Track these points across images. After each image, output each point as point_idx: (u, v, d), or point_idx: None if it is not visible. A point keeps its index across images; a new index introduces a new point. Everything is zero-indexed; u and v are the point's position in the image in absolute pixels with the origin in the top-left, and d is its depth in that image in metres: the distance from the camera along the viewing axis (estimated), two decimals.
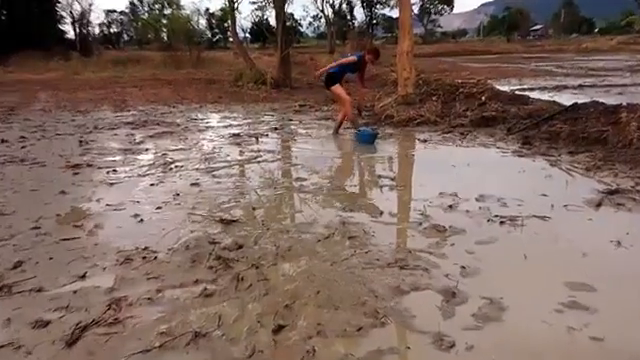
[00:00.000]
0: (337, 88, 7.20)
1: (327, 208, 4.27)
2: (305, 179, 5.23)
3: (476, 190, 4.61)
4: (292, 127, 8.73)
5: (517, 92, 10.48)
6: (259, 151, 6.68)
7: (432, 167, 5.75)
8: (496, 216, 3.98)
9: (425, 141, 7.16)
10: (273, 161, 6.15)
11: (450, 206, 4.23)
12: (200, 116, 10.32)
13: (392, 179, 5.19)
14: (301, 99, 12.83)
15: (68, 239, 3.68)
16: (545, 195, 4.50)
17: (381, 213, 4.09)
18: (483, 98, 9.10)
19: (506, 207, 4.20)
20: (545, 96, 11.02)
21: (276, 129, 8.50)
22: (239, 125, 9.06)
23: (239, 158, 6.31)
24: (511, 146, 6.65)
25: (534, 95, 10.65)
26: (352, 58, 7.10)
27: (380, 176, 5.33)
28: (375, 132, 7.20)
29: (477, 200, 4.39)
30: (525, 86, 14.17)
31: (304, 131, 8.31)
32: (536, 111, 8.27)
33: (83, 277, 3.11)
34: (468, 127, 7.98)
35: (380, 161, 6.12)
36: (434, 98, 9.40)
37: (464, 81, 10.19)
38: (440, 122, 8.47)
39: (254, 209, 4.28)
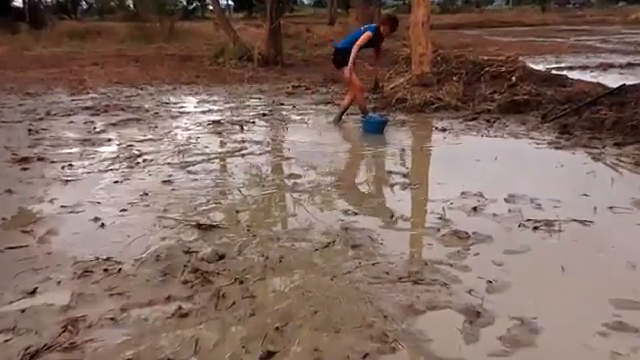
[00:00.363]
0: (350, 71, 7.27)
1: (326, 211, 4.32)
2: (300, 176, 5.29)
3: (505, 189, 4.66)
4: (284, 113, 8.81)
5: (554, 71, 10.64)
6: (244, 142, 6.77)
7: (452, 162, 5.81)
8: (528, 220, 4.04)
9: (444, 130, 7.27)
10: (261, 154, 6.21)
11: (474, 208, 4.28)
12: (173, 100, 10.40)
13: (404, 176, 5.26)
14: (295, 79, 12.89)
15: (15, 247, 3.71)
16: (587, 195, 4.56)
17: (391, 217, 4.14)
18: (513, 79, 9.20)
19: (540, 209, 4.26)
20: (587, 76, 11.16)
21: (264, 115, 8.60)
22: (220, 110, 9.15)
23: (220, 150, 6.38)
24: (546, 136, 6.75)
25: (574, 75, 10.78)
26: (368, 34, 7.18)
27: (390, 172, 5.39)
28: (385, 119, 7.30)
29: (506, 201, 4.44)
30: (563, 64, 14.32)
31: (298, 118, 8.41)
32: (576, 94, 8.34)
33: (33, 293, 3.12)
34: (495, 113, 8.08)
35: (390, 154, 6.19)
36: (455, 78, 9.49)
37: (491, 58, 10.25)
38: (462, 107, 8.58)
39: (238, 212, 4.31)
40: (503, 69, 9.57)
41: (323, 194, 4.76)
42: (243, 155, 6.15)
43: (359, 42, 7.07)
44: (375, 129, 7.10)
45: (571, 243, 3.67)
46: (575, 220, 4.01)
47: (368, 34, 7.14)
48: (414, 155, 6.37)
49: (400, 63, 11.31)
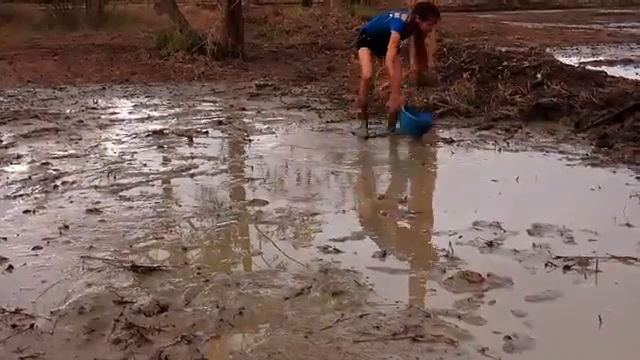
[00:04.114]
0: (363, 53, 7.77)
1: (300, 247, 4.34)
2: (266, 202, 5.32)
3: (528, 218, 4.70)
4: (246, 121, 8.86)
5: (589, 67, 10.75)
6: (194, 158, 6.80)
7: (462, 183, 5.89)
8: (558, 258, 4.07)
9: (452, 142, 7.34)
10: (216, 174, 6.23)
11: (489, 243, 4.31)
12: (102, 103, 10.40)
13: (401, 201, 5.33)
14: (260, 76, 12.99)
15: None
16: (630, 225, 4.61)
17: (383, 255, 4.17)
18: (539, 76, 9.31)
19: (573, 244, 4.31)
20: (631, 74, 11.30)
21: (221, 123, 8.66)
22: (163, 117, 9.21)
23: (162, 169, 6.37)
24: (580, 150, 6.83)
25: (614, 72, 10.89)
26: (394, 36, 7.50)
27: (383, 197, 5.47)
28: (431, 121, 7.68)
29: (530, 234, 4.48)
30: (601, 58, 14.54)
31: (264, 127, 8.46)
32: (617, 97, 8.41)
33: None
34: (517, 120, 8.17)
35: (383, 174, 6.28)
36: (465, 75, 9.62)
37: (510, 50, 10.40)
38: (474, 113, 8.68)
39: (186, 250, 4.31)
40: (526, 64, 9.68)
41: (296, 225, 4.78)
42: (192, 175, 6.16)
43: (390, 53, 7.39)
44: (413, 128, 7.44)
45: (612, 287, 3.70)
46: (616, 257, 4.04)
47: (395, 36, 7.43)
48: (414, 174, 6.43)
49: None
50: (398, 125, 7.50)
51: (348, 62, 10.72)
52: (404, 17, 7.39)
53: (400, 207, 5.16)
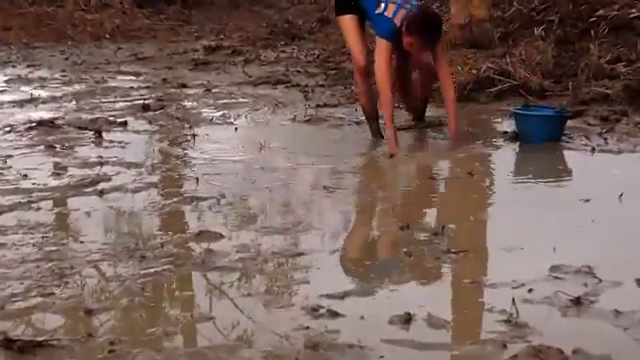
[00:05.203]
0: (348, 24, 6.63)
1: (275, 308, 3.64)
2: (219, 235, 4.53)
3: (638, 260, 4.02)
4: (187, 104, 8.09)
5: None
6: (104, 164, 6.02)
7: (534, 204, 5.09)
8: None
9: (517, 138, 6.54)
10: (138, 190, 5.43)
11: (576, 300, 3.58)
12: None
13: (437, 234, 4.50)
14: (210, 32, 11.92)
15: None
16: None
17: (408, 320, 3.43)
18: None
19: None
20: None
21: (147, 109, 7.79)
22: (54, 100, 8.35)
23: (53, 184, 5.59)
24: None
25: None
26: (382, 44, 6.35)
27: (407, 227, 4.61)
28: (564, 113, 6.61)
29: None
30: None
31: (217, 114, 7.58)
32: None
33: None
34: (620, 104, 7.16)
35: (409, 190, 5.68)
36: (538, 32, 8.56)
37: None
38: (552, 91, 7.59)
39: (90, 313, 3.59)
40: (634, 12, 8.67)
41: (268, 273, 4.09)
42: (102, 193, 5.31)
43: (379, 65, 6.32)
44: (542, 131, 6.35)
45: None
46: None
47: (381, 46, 6.33)
48: (456, 191, 5.68)
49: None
50: (513, 129, 6.55)
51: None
52: (400, 15, 6.26)
53: (434, 243, 4.37)
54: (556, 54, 8.05)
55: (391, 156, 6.21)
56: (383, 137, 6.71)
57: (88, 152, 6.32)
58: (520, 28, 8.78)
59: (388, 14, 6.27)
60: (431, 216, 5.14)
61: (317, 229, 4.70)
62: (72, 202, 5.21)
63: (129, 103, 7.97)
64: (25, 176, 5.64)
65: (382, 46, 6.34)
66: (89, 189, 5.37)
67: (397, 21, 6.22)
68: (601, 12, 8.63)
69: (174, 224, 4.84)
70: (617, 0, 8.89)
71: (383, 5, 6.33)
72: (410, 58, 6.75)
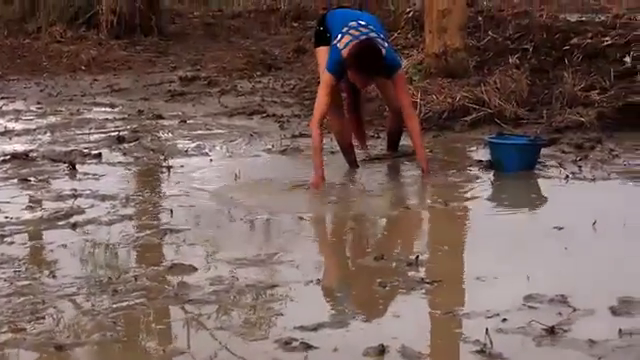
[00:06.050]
0: (321, 52, 6.61)
1: (250, 340, 3.59)
2: (193, 268, 4.46)
3: (612, 288, 3.97)
4: (163, 135, 8.06)
5: None
6: (77, 197, 5.95)
7: (508, 232, 5.09)
8: None
9: (492, 166, 6.53)
10: (112, 222, 5.37)
11: (550, 330, 3.52)
12: None
13: (411, 264, 4.48)
14: (186, 63, 11.88)
15: None
16: None
17: (382, 351, 3.40)
18: (628, 60, 8.25)
19: None
20: None
21: (122, 140, 7.77)
22: (28, 132, 8.35)
23: (26, 217, 5.55)
24: None
25: None
26: (326, 77, 6.35)
27: (382, 257, 4.58)
28: (538, 141, 6.65)
29: (615, 313, 3.72)
30: None
31: (192, 145, 7.53)
32: None
33: None
34: (594, 131, 7.18)
35: (384, 219, 5.59)
36: (513, 60, 8.63)
37: (582, 20, 9.35)
38: (527, 119, 7.58)
39: (61, 349, 3.48)
40: (607, 40, 8.68)
41: (243, 305, 4.03)
42: (75, 226, 5.24)
43: (318, 98, 6.33)
44: (518, 160, 6.33)
45: None
46: None
47: (324, 80, 6.32)
48: (431, 221, 5.64)
49: (405, 28, 10.56)
50: (488, 158, 6.53)
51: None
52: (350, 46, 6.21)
53: (409, 273, 4.35)
54: (530, 82, 8.06)
55: (310, 187, 6.14)
56: (359, 166, 6.73)
57: (62, 185, 6.29)
58: (495, 57, 8.77)
59: (340, 45, 6.19)
60: (406, 246, 5.08)
61: (291, 260, 4.64)
62: (46, 235, 5.18)
63: (104, 135, 7.95)
64: None
65: (324, 78, 6.31)
66: (63, 222, 5.33)
67: (345, 53, 6.13)
68: (575, 40, 8.65)
69: (148, 257, 4.80)
70: (590, 29, 8.87)
71: (339, 36, 6.26)
72: (360, 92, 6.75)
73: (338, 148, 6.88)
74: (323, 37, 6.60)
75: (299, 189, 6.19)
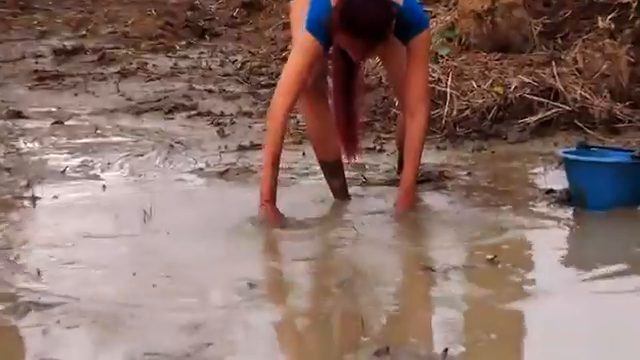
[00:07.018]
0: (297, 5, 4.93)
1: None
2: None
3: None
4: (23, 145, 6.24)
5: None
6: None
7: (596, 311, 3.85)
8: None
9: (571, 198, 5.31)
10: None
11: None
12: None
13: None
14: (64, 24, 9.81)
15: None
16: None
17: None
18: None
19: None
20: None
21: None
22: None
23: None
24: None
25: None
26: (305, 37, 4.70)
27: (385, 351, 3.39)
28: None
29: None
30: None
31: (74, 161, 5.82)
32: None
33: None
34: None
35: (393, 286, 4.28)
36: (604, 22, 6.87)
37: None
38: (628, 118, 6.02)
39: None
40: None
41: None
42: None
43: (288, 71, 4.75)
44: (613, 188, 5.05)
45: None
46: None
47: (301, 39, 4.68)
48: (463, 288, 4.24)
49: None
50: (564, 186, 5.20)
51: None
52: None
53: None
54: (634, 60, 6.36)
55: (265, 222, 4.65)
56: (350, 197, 5.17)
57: None
58: (574, 17, 7.01)
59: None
60: (426, 332, 3.65)
61: (233, 356, 3.25)
62: None
63: None
64: None
65: (300, 40, 4.63)
66: None
67: (335, 0, 4.55)
68: None
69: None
70: None
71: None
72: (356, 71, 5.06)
73: (317, 165, 5.31)
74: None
75: (250, 237, 4.57)
